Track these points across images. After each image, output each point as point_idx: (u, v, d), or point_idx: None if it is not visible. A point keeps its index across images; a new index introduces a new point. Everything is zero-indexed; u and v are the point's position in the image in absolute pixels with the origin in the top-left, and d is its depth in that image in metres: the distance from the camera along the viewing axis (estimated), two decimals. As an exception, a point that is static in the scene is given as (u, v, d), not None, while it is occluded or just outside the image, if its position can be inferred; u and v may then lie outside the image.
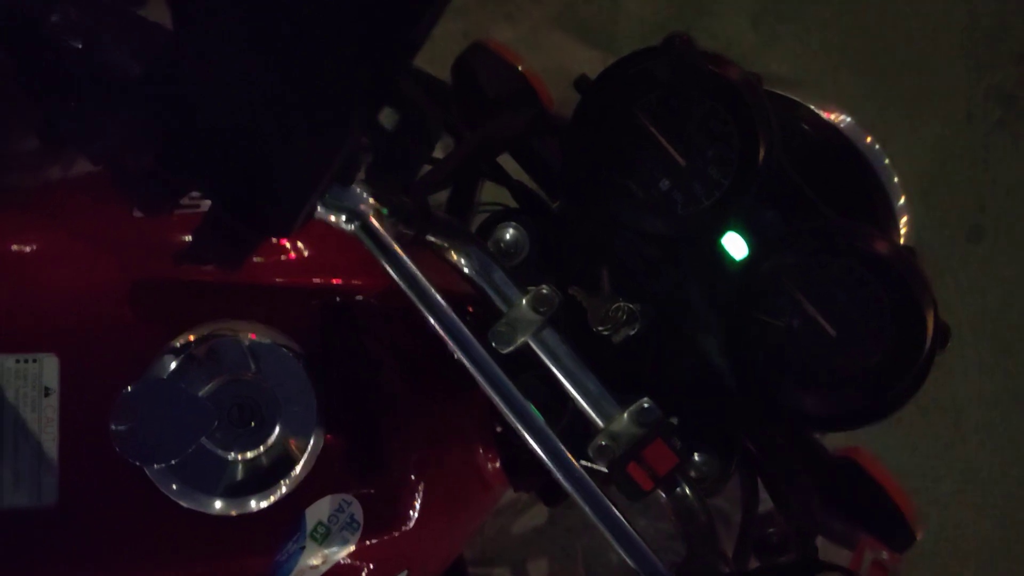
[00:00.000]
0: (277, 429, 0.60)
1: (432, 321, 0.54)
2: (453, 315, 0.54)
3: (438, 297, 0.54)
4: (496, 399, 0.56)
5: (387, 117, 0.45)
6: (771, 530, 0.66)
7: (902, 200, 0.75)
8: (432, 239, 0.61)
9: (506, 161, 0.79)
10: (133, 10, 0.47)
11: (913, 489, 0.70)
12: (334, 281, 0.68)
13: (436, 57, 0.69)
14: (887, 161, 0.75)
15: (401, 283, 0.53)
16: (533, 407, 0.57)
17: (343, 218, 0.51)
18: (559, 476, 0.56)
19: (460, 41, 0.83)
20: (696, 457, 0.65)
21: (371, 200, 0.52)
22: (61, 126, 0.48)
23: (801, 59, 1.94)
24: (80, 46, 0.46)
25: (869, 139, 0.74)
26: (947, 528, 1.85)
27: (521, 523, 1.73)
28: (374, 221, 0.51)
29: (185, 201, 0.64)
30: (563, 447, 0.56)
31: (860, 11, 2.00)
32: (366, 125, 0.43)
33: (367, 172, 0.48)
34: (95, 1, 0.47)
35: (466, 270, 0.62)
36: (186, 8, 0.43)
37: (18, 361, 0.60)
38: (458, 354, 0.56)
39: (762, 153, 0.61)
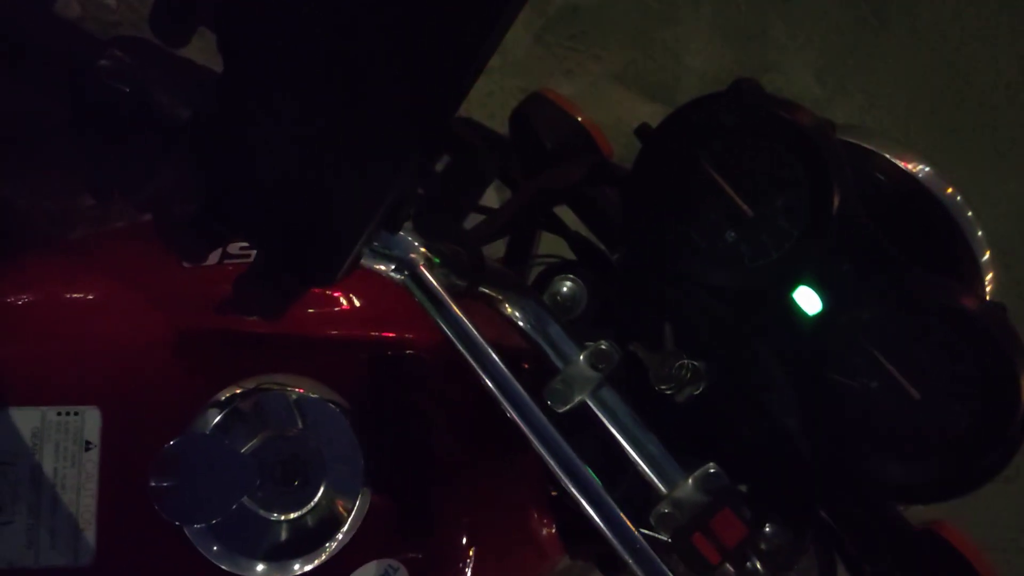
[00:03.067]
0: (322, 489, 0.57)
1: (484, 377, 0.51)
2: (506, 371, 0.51)
3: (490, 351, 0.51)
4: (550, 462, 0.53)
5: (438, 161, 0.44)
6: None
7: (987, 255, 0.71)
8: (486, 290, 0.58)
9: (565, 214, 0.77)
10: (181, 55, 0.47)
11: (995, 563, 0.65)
12: (384, 335, 0.66)
13: (495, 113, 0.68)
14: (970, 213, 0.70)
15: (451, 336, 0.50)
16: (590, 471, 0.53)
17: (392, 267, 0.49)
18: (617, 545, 0.52)
19: (518, 97, 0.82)
20: (767, 528, 0.61)
21: (422, 249, 0.50)
22: (108, 172, 0.47)
23: (867, 115, 1.90)
24: (128, 90, 0.46)
25: (951, 189, 0.70)
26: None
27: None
28: (424, 271, 0.49)
29: (233, 251, 0.63)
30: (622, 515, 0.53)
31: (929, 66, 1.95)
32: (416, 170, 0.41)
33: (416, 219, 0.46)
34: (144, 45, 0.47)
35: (521, 324, 0.59)
36: (237, 52, 0.42)
37: (59, 414, 0.59)
38: (510, 413, 0.53)
39: (836, 200, 0.57)
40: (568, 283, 0.67)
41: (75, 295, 0.63)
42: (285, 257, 0.42)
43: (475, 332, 0.50)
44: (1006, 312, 0.56)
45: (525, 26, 1.85)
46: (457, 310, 0.50)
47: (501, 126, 0.81)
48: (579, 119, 0.80)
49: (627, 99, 1.85)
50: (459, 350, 0.51)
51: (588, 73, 1.85)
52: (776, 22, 1.92)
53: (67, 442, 0.58)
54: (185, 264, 0.63)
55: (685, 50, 1.88)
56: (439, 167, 0.44)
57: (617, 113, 1.83)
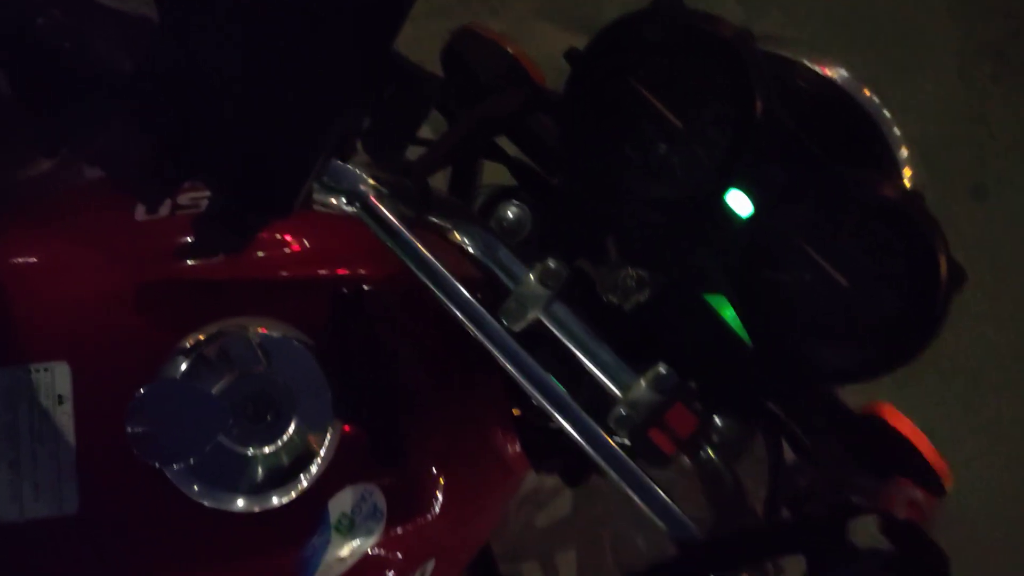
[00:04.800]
0: (293, 423, 0.59)
1: (445, 300, 0.54)
2: (465, 292, 0.53)
3: (448, 275, 0.53)
4: (517, 375, 0.56)
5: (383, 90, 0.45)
6: (800, 484, 0.65)
7: (904, 151, 0.74)
8: (434, 220, 0.61)
9: (505, 145, 0.79)
10: (119, 6, 0.47)
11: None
12: (340, 272, 0.68)
13: (425, 59, 0.69)
14: (887, 112, 0.74)
15: (409, 262, 0.52)
16: (555, 380, 0.56)
17: (343, 199, 0.50)
18: (585, 446, 0.56)
19: (447, 40, 0.83)
20: (718, 421, 0.65)
21: (371, 181, 0.51)
22: (56, 130, 0.48)
23: (788, 30, 1.94)
24: (68, 46, 0.46)
25: (867, 91, 0.74)
26: (977, 490, 1.84)
27: (545, 516, 1.72)
28: (375, 201, 0.51)
29: (185, 202, 0.64)
30: (587, 417, 0.56)
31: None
32: (360, 99, 0.42)
33: (364, 149, 0.48)
34: (81, 0, 0.47)
35: (471, 250, 0.62)
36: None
37: (29, 372, 0.60)
38: (473, 331, 0.55)
39: (759, 106, 0.60)
40: (513, 208, 0.69)
41: (32, 257, 0.63)
42: (241, 192, 0.44)
43: (431, 257, 0.52)
44: (924, 200, 0.60)
45: (447, -33, 1.84)
46: (411, 237, 0.52)
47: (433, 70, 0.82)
48: (510, 50, 0.82)
49: (553, 33, 1.86)
50: (418, 276, 0.53)
51: (512, 10, 1.86)
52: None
53: (40, 398, 0.59)
54: (139, 217, 0.63)
55: (607, -20, 1.88)
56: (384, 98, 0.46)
57: (545, 48, 1.83)
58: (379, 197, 0.52)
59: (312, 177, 0.44)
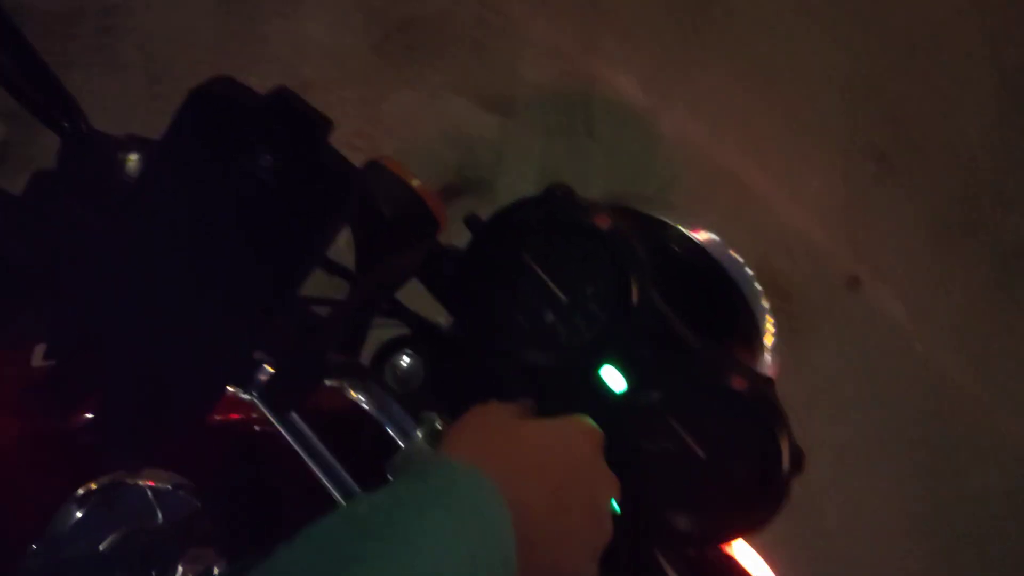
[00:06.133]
0: (177, 572, 0.62)
1: (322, 479, 0.58)
2: (342, 473, 0.57)
3: (329, 458, 0.57)
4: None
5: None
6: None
7: (765, 303, 0.82)
8: (331, 383, 0.64)
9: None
10: (32, 200, 0.49)
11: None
12: (231, 417, 0.70)
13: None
14: (749, 271, 0.82)
15: (295, 445, 0.56)
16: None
17: (240, 389, 0.54)
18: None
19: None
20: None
21: (267, 367, 0.55)
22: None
23: (690, 123, 2.04)
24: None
25: (732, 252, 0.82)
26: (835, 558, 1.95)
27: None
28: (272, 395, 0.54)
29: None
30: None
31: (744, 74, 2.11)
32: (263, 340, 0.46)
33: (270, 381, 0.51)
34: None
35: (365, 407, 0.66)
36: (96, 210, 0.46)
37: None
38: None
39: (635, 294, 0.66)
40: (406, 357, 0.73)
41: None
42: (140, 416, 0.46)
43: (316, 441, 0.56)
44: (772, 385, 0.67)
45: (363, 36, 1.87)
46: (300, 422, 0.56)
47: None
48: (414, 186, 0.86)
49: (466, 109, 1.91)
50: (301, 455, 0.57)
51: (427, 83, 1.90)
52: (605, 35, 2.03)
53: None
54: (35, 363, 0.65)
55: (520, 62, 1.95)
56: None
57: (457, 123, 1.89)
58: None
59: (208, 407, 0.47)
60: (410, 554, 0.40)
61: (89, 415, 0.56)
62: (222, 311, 0.44)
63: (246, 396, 0.54)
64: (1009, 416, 2.10)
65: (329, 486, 0.57)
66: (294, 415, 0.55)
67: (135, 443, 0.47)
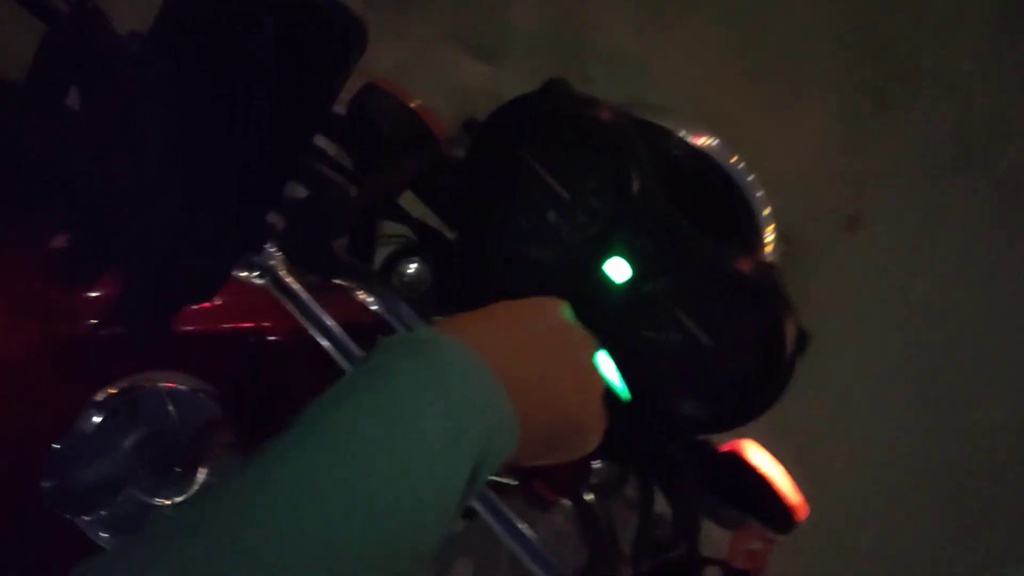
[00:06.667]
0: (202, 472, 0.63)
1: (341, 361, 0.58)
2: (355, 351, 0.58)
3: (346, 339, 0.58)
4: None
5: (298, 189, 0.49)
6: (659, 531, 0.72)
7: (767, 212, 0.83)
8: (339, 282, 0.65)
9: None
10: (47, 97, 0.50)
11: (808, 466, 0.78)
12: (246, 325, 0.71)
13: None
14: (751, 178, 0.82)
15: (311, 328, 0.57)
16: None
17: (255, 274, 0.55)
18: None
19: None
20: (595, 465, 0.71)
21: (279, 254, 0.56)
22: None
23: (684, 66, 2.04)
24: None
25: (735, 159, 0.82)
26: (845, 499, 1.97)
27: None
28: (283, 274, 0.55)
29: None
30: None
31: (736, 16, 2.11)
32: (275, 200, 0.47)
33: (283, 239, 0.52)
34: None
35: (375, 308, 0.67)
36: (98, 92, 0.47)
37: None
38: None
39: (635, 186, 0.67)
40: (413, 264, 0.74)
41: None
42: (162, 284, 0.47)
43: (331, 323, 0.57)
44: (775, 270, 0.68)
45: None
46: (314, 305, 0.57)
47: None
48: (412, 106, 0.86)
49: (457, 59, 1.91)
50: (319, 340, 0.58)
51: (417, 34, 1.90)
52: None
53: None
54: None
55: (508, 10, 1.95)
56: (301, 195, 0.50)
57: (449, 73, 1.88)
58: (286, 269, 0.56)
59: (228, 270, 0.48)
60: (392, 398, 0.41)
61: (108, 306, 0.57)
62: (236, 172, 0.45)
63: (259, 282, 0.55)
64: (1014, 348, 2.12)
65: (342, 363, 0.58)
66: (306, 298, 0.56)
67: (156, 311, 0.48)
